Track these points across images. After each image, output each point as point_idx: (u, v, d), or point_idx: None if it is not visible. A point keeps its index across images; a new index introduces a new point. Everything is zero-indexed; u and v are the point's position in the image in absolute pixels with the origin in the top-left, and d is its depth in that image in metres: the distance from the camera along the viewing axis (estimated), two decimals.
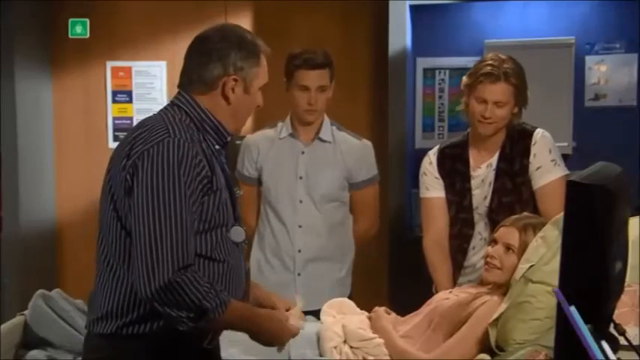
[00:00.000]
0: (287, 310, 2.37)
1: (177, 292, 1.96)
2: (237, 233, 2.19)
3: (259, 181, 3.52)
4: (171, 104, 2.20)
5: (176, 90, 2.25)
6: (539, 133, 3.16)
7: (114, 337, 2.09)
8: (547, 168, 3.12)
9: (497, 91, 3.08)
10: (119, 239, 2.08)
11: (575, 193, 1.54)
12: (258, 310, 2.28)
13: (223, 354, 2.36)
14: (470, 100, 3.13)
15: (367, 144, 3.55)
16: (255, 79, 2.19)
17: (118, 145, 2.15)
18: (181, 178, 1.99)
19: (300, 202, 3.44)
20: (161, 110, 2.20)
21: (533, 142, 3.14)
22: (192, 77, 2.18)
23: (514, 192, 3.14)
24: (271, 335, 2.21)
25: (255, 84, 2.19)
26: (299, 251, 3.44)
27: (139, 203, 1.99)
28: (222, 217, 2.13)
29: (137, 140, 2.06)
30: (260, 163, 3.49)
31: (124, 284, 2.08)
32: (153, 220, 1.97)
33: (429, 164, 3.30)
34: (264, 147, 3.50)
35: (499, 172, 3.16)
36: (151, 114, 2.24)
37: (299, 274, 3.45)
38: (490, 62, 3.11)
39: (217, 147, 2.19)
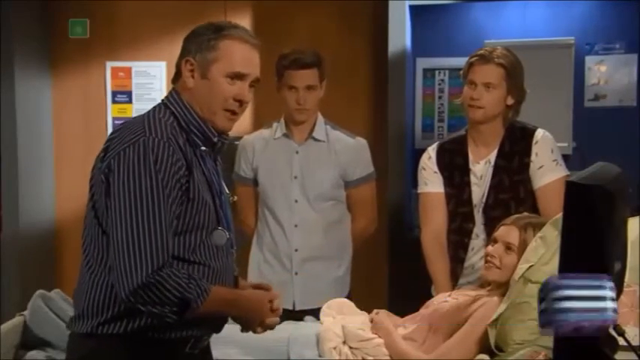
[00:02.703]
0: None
1: (157, 290, 1.94)
2: (219, 236, 2.13)
3: (256, 182, 3.53)
4: (161, 103, 2.20)
5: None
6: (540, 133, 3.17)
7: (90, 336, 2.08)
8: (549, 167, 3.13)
9: (487, 72, 3.10)
10: (96, 239, 2.08)
11: (574, 194, 1.54)
12: (241, 292, 2.22)
13: (221, 354, 2.36)
14: (464, 87, 3.17)
15: (362, 142, 3.55)
16: (214, 63, 2.11)
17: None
18: (158, 176, 1.97)
19: (296, 201, 3.44)
20: (149, 109, 2.19)
21: (534, 141, 3.14)
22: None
23: (511, 189, 3.14)
24: (250, 315, 2.15)
25: (215, 69, 2.11)
26: (296, 250, 3.45)
27: (115, 204, 1.98)
28: (202, 219, 2.09)
29: (113, 141, 2.05)
30: (255, 163, 3.50)
31: (99, 283, 2.07)
32: (130, 221, 1.95)
33: (428, 159, 3.30)
34: (259, 147, 3.51)
35: (497, 169, 3.16)
36: None
37: (296, 273, 3.45)
38: (484, 48, 3.19)
39: (204, 148, 2.15)
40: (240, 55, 2.14)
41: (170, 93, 2.20)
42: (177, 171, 2.01)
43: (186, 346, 2.13)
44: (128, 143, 2.00)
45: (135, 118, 2.15)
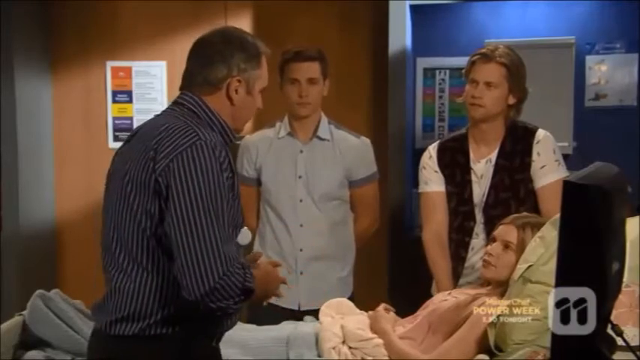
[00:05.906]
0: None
1: (227, 287, 1.99)
2: (244, 236, 2.20)
3: (258, 182, 3.52)
4: (177, 104, 2.20)
5: (176, 90, 2.25)
6: (542, 133, 3.18)
7: (135, 338, 2.09)
8: (551, 167, 3.13)
9: (488, 71, 3.10)
10: (142, 242, 2.07)
11: (572, 194, 1.54)
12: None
13: (222, 354, 2.36)
14: (466, 86, 3.17)
15: (366, 142, 3.55)
16: (258, 80, 2.23)
17: (129, 147, 2.15)
18: (219, 180, 2.02)
19: (301, 201, 3.44)
20: (169, 110, 2.20)
21: (536, 141, 3.15)
22: (197, 79, 2.19)
23: (511, 188, 3.14)
24: (261, 288, 2.19)
25: (257, 85, 2.24)
26: (301, 250, 3.44)
27: (181, 209, 1.99)
28: (239, 218, 2.16)
29: (162, 143, 2.05)
30: (259, 163, 3.49)
31: (147, 286, 2.08)
32: (199, 226, 1.98)
33: (429, 158, 3.30)
34: (263, 147, 3.50)
35: (498, 168, 3.16)
36: (150, 114, 2.24)
37: (301, 273, 3.44)
38: (486, 47, 3.20)
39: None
40: (267, 70, 2.28)
41: (185, 94, 2.20)
42: (228, 175, 2.08)
43: (212, 340, 2.20)
44: (184, 146, 2.03)
45: (166, 120, 2.14)
